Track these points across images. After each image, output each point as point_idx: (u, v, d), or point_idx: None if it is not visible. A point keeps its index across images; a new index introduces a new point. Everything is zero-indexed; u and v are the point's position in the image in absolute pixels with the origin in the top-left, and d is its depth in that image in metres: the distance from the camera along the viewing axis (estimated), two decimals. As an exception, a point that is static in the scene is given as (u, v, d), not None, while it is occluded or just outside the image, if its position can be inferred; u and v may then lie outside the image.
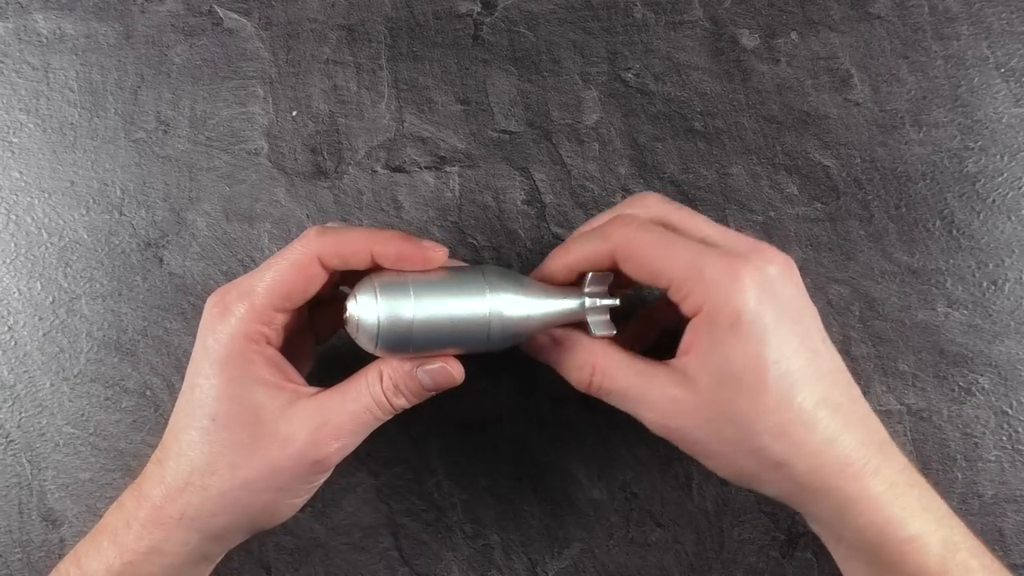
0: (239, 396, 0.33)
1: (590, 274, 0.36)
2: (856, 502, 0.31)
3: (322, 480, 0.36)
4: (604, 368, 0.35)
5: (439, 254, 0.34)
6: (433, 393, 0.35)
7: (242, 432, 0.33)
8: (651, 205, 0.36)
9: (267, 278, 0.34)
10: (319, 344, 0.40)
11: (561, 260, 0.36)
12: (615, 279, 0.36)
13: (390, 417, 0.35)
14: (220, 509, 0.33)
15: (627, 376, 0.34)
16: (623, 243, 0.34)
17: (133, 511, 0.34)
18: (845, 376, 0.34)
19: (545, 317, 0.35)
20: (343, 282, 0.38)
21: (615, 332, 0.35)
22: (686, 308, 0.33)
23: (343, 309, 0.33)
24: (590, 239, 0.35)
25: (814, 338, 0.33)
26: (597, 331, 0.35)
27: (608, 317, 0.36)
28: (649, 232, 0.34)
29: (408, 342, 0.33)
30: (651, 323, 0.41)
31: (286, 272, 0.34)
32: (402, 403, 0.34)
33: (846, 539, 0.33)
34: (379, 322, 0.32)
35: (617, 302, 0.36)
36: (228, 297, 0.34)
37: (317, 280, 0.34)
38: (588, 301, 0.35)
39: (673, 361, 0.34)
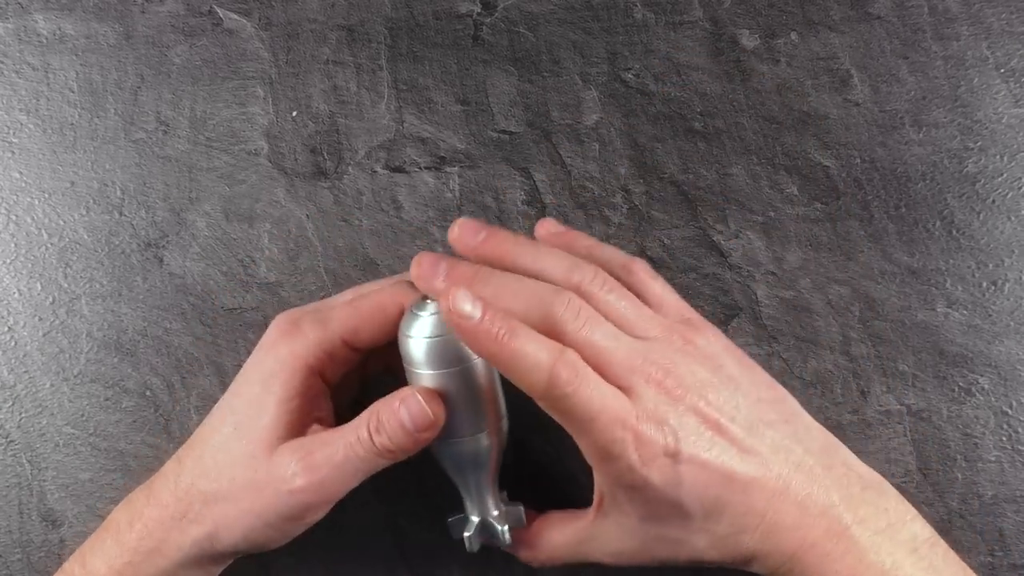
0: (263, 414, 0.33)
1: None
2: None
3: (305, 521, 0.34)
4: (547, 555, 0.36)
5: None
6: (413, 436, 0.33)
7: (248, 448, 0.33)
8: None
9: (347, 312, 0.34)
10: (363, 381, 0.39)
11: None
12: None
13: (382, 461, 0.33)
14: (212, 518, 0.33)
15: (568, 547, 0.35)
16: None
17: (140, 508, 0.34)
18: (802, 441, 0.32)
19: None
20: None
21: (521, 508, 0.37)
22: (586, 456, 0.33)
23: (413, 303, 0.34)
24: None
25: (752, 419, 0.31)
26: (514, 524, 0.37)
27: (520, 513, 0.37)
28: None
29: (435, 359, 0.33)
30: None
31: (367, 312, 0.34)
32: (384, 442, 0.32)
33: None
34: (433, 327, 0.33)
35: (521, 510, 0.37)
36: (303, 319, 0.34)
37: (393, 327, 0.34)
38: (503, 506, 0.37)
39: (600, 510, 0.34)
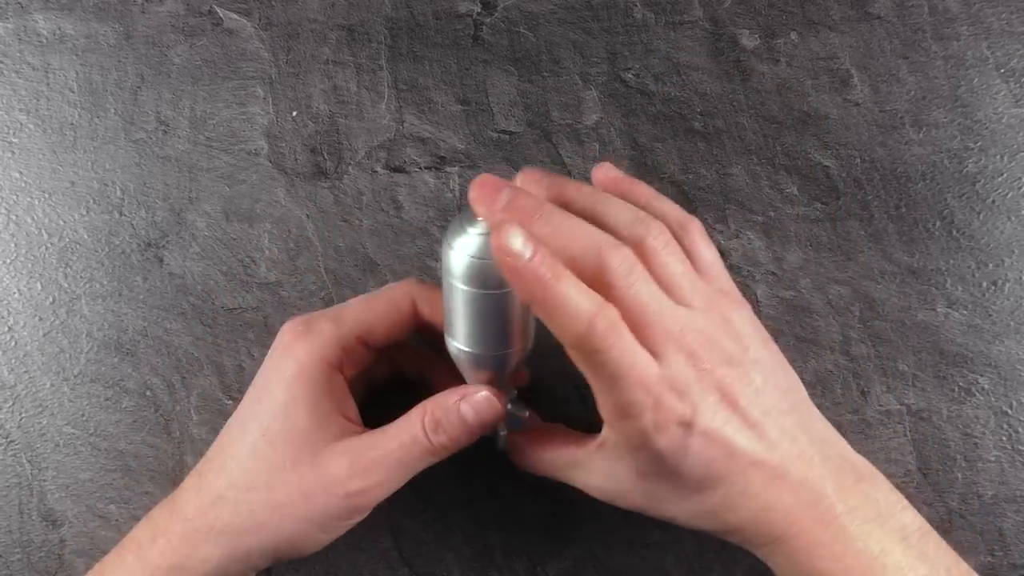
0: (295, 417, 0.33)
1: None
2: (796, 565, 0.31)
3: (353, 520, 0.35)
4: (537, 465, 0.36)
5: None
6: (476, 432, 0.34)
7: (286, 453, 0.33)
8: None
9: (360, 308, 0.35)
10: (368, 385, 0.40)
11: None
12: None
13: (434, 459, 0.34)
14: (248, 528, 0.33)
15: (558, 466, 0.35)
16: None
17: (163, 524, 0.34)
18: (807, 430, 0.32)
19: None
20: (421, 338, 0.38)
21: (527, 414, 0.37)
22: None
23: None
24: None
25: (765, 398, 0.31)
26: (518, 411, 0.36)
27: (520, 418, 0.37)
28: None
29: (474, 278, 0.31)
30: None
31: (381, 307, 0.35)
32: (442, 440, 0.33)
33: None
34: (478, 247, 0.31)
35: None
36: (316, 319, 0.35)
37: (407, 323, 0.35)
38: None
39: (601, 449, 0.33)
